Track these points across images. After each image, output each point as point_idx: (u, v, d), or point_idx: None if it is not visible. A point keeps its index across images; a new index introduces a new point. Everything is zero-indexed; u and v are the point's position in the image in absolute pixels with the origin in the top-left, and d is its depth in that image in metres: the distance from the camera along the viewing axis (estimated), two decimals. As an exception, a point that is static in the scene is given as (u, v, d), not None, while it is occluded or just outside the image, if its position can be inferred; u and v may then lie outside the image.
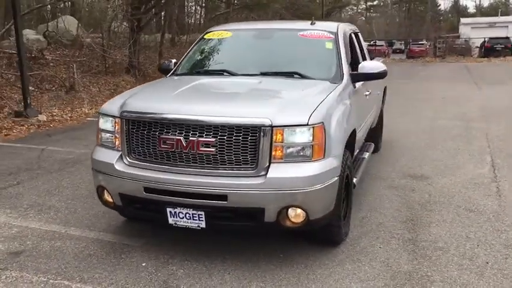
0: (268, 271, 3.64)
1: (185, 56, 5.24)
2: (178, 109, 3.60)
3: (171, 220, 3.60)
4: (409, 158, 6.98)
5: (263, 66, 4.65)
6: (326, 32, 4.91)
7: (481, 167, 6.45)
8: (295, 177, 3.42)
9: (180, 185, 3.49)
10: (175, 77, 4.95)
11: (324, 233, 3.94)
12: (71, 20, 19.43)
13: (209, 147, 3.44)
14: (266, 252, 3.92)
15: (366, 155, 5.62)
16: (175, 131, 3.51)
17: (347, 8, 63.85)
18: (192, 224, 3.56)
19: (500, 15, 54.29)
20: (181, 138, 3.48)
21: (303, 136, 3.44)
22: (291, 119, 3.43)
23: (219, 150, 3.43)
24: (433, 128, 9.31)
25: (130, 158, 3.73)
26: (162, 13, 21.35)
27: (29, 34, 16.97)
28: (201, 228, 3.56)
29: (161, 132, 3.56)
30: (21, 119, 9.79)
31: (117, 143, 3.82)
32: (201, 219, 3.53)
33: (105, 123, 3.92)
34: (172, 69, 5.14)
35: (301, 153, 3.46)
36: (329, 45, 4.78)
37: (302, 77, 4.44)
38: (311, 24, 5.13)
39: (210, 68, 5.06)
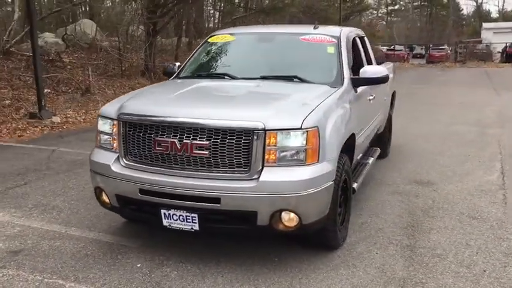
0: (261, 274, 3.64)
1: (188, 60, 5.28)
2: (173, 112, 3.63)
3: (165, 222, 3.63)
4: (417, 164, 6.90)
5: (264, 69, 4.66)
6: (328, 37, 4.90)
7: (489, 174, 6.35)
8: (288, 181, 3.41)
9: (174, 187, 3.52)
10: (178, 80, 4.99)
11: (319, 238, 3.92)
12: (89, 23, 19.75)
13: (203, 150, 3.45)
14: (261, 255, 3.91)
15: (370, 160, 5.58)
16: (170, 134, 3.53)
17: (367, 12, 63.43)
18: (186, 226, 3.58)
19: (524, 20, 53.39)
20: (176, 140, 3.50)
21: (296, 140, 3.43)
22: (284, 123, 3.43)
23: (213, 153, 3.44)
24: (447, 134, 9.19)
25: (126, 160, 3.77)
26: (179, 17, 21.47)
27: (47, 37, 17.33)
28: (195, 230, 3.57)
29: (156, 134, 3.59)
30: (35, 120, 9.97)
31: (114, 144, 3.87)
32: (194, 221, 3.54)
33: (104, 125, 3.97)
34: (175, 72, 5.19)
35: (295, 157, 3.45)
36: (331, 49, 4.76)
37: (302, 81, 4.44)
38: (314, 28, 5.11)
39: (211, 72, 5.08)
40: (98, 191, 4.02)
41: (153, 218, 3.70)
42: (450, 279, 3.57)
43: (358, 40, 5.62)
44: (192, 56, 5.33)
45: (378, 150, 6.16)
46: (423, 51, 50.51)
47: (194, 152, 3.47)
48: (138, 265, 3.79)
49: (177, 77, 5.09)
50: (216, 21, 31.76)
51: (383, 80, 4.64)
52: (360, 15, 53.32)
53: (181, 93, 4.15)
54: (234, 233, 3.88)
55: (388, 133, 7.40)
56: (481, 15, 75.69)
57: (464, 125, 10.05)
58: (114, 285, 3.50)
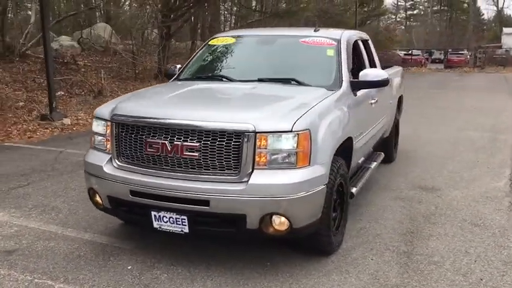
0: (251, 279, 3.59)
1: (189, 62, 5.28)
2: (164, 113, 3.61)
3: (155, 224, 3.60)
4: (423, 169, 6.78)
5: (261, 72, 4.62)
6: (328, 39, 4.84)
7: (497, 180, 6.20)
8: (278, 184, 3.36)
9: (164, 189, 3.49)
10: (179, 82, 4.97)
11: (312, 243, 3.85)
12: (104, 26, 19.96)
13: (193, 152, 3.43)
14: (252, 259, 3.86)
15: (373, 164, 5.49)
16: (161, 135, 3.52)
17: (385, 16, 62.92)
18: (176, 228, 3.55)
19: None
20: (167, 142, 3.48)
21: (287, 143, 3.38)
22: (274, 125, 3.38)
23: (203, 155, 3.41)
24: (458, 139, 9.03)
25: (119, 161, 3.76)
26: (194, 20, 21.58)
27: (63, 40, 17.58)
28: (185, 233, 3.54)
29: (148, 135, 3.57)
30: (46, 122, 10.09)
31: (108, 146, 3.87)
32: (184, 223, 3.51)
33: (98, 127, 3.97)
34: (176, 74, 5.18)
35: (286, 160, 3.40)
36: (330, 52, 4.70)
37: (299, 83, 4.38)
38: (314, 31, 5.07)
39: (209, 74, 5.05)
40: (92, 192, 4.01)
41: (143, 219, 3.69)
42: (445, 287, 3.48)
43: (360, 43, 5.54)
44: (192, 58, 5.33)
45: (382, 155, 6.06)
46: (442, 56, 49.88)
47: (184, 153, 3.44)
48: (129, 267, 3.77)
49: (177, 78, 5.09)
50: (232, 25, 31.84)
51: (383, 83, 4.56)
52: (377, 20, 52.87)
53: (175, 95, 4.14)
54: (223, 236, 3.83)
55: (395, 138, 7.29)
56: (502, 20, 74.46)
57: (477, 131, 9.86)
58: (103, 287, 3.48)
